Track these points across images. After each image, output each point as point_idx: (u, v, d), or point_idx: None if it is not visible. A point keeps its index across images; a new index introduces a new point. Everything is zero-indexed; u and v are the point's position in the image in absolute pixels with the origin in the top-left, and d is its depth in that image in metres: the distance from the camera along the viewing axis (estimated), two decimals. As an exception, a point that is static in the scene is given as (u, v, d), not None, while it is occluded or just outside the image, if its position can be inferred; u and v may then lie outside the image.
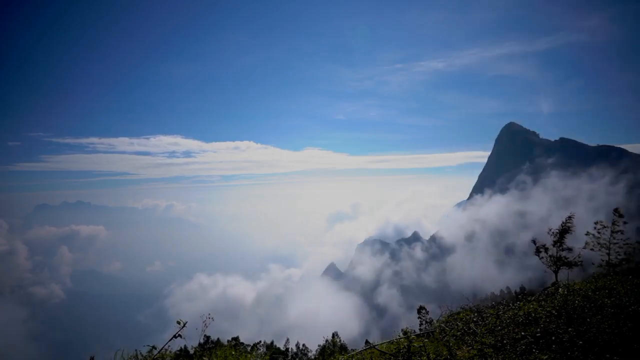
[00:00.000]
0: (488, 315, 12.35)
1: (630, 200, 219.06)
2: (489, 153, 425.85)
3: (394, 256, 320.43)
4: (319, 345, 36.50)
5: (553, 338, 8.58)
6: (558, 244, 22.19)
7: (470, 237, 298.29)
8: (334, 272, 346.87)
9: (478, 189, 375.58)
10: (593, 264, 22.98)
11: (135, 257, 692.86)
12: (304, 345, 43.91)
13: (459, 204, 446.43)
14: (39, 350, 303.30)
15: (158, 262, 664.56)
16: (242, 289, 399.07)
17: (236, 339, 36.61)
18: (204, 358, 9.47)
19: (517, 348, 8.65)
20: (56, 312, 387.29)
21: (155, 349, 7.68)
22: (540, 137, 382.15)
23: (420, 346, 8.51)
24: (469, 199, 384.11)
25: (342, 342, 36.85)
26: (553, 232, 22.54)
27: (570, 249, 22.02)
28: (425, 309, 22.77)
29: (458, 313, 14.80)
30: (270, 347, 39.30)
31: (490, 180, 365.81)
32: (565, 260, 21.90)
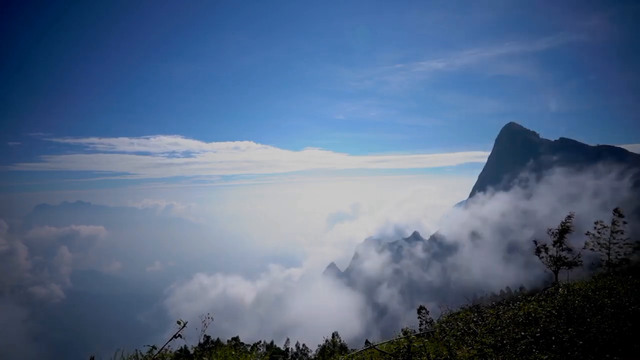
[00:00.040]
0: (488, 315, 12.36)
1: (634, 197, 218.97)
2: (489, 153, 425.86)
3: (394, 256, 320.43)
4: (319, 345, 36.51)
5: (553, 338, 8.58)
6: (558, 243, 22.20)
7: (472, 236, 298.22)
8: (334, 272, 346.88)
9: (478, 188, 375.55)
10: (593, 264, 22.99)
11: (135, 257, 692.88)
12: (304, 345, 43.92)
13: (459, 204, 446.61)
14: (39, 350, 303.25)
15: (158, 262, 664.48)
16: (242, 289, 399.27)
17: (236, 339, 36.62)
18: (204, 358, 9.47)
19: (517, 348, 8.65)
20: (56, 312, 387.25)
21: (156, 349, 7.68)
22: (540, 137, 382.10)
23: (420, 346, 8.51)
24: (470, 197, 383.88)
25: (342, 342, 36.86)
26: (553, 232, 22.55)
27: (570, 249, 22.03)
28: (425, 309, 22.77)
29: (458, 313, 14.82)
30: (270, 347, 39.30)
31: (490, 180, 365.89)
32: (565, 260, 21.91)
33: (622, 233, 22.48)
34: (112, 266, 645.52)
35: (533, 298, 13.44)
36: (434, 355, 8.37)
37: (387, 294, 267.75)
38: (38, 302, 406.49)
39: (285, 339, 46.46)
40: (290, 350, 41.40)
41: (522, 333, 9.31)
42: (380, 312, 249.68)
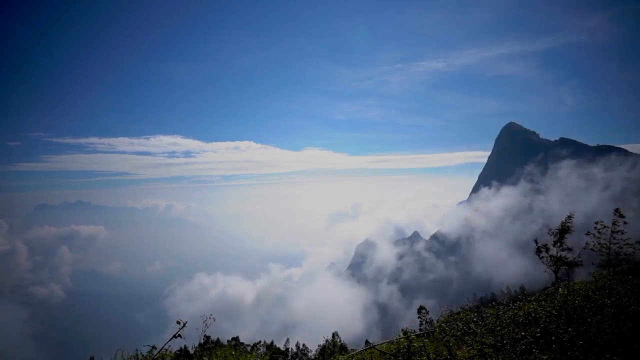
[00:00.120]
0: (488, 315, 12.36)
1: (634, 197, 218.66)
2: (489, 153, 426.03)
3: (395, 255, 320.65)
4: (319, 345, 36.53)
5: (553, 338, 8.59)
6: (558, 243, 22.20)
7: (474, 234, 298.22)
8: (334, 272, 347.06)
9: (479, 187, 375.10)
10: (593, 264, 23.01)
11: (135, 257, 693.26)
12: (304, 345, 43.94)
13: (460, 204, 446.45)
14: (39, 350, 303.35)
15: (158, 262, 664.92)
16: (242, 289, 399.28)
17: (236, 339, 36.62)
18: (204, 358, 9.47)
19: (517, 348, 8.65)
20: (56, 312, 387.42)
21: (156, 349, 7.69)
22: (540, 137, 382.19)
23: (420, 346, 8.51)
24: (473, 194, 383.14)
25: (342, 342, 36.88)
26: (553, 232, 22.54)
27: (570, 249, 22.03)
28: (425, 309, 22.77)
29: (458, 313, 14.81)
30: (270, 347, 39.32)
31: (490, 180, 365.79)
32: (565, 260, 21.91)
33: (622, 233, 22.50)
34: (112, 266, 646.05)
35: (533, 298, 13.44)
36: (434, 355, 8.37)
37: (388, 293, 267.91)
38: (38, 302, 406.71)
39: (285, 339, 46.49)
40: (290, 350, 41.42)
41: (522, 333, 9.31)
42: (380, 311, 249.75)
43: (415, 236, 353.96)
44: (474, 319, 12.20)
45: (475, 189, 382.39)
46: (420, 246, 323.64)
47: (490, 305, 14.34)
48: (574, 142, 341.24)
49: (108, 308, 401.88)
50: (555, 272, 21.96)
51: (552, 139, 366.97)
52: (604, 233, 22.90)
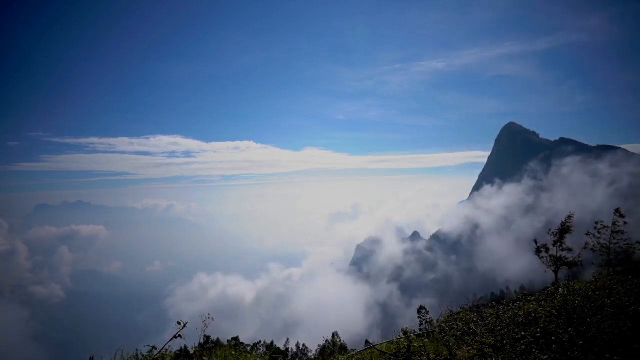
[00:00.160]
0: (488, 315, 12.36)
1: (634, 197, 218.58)
2: (489, 153, 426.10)
3: (395, 254, 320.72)
4: (319, 345, 36.52)
5: (553, 338, 8.59)
6: (558, 243, 22.18)
7: (475, 232, 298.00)
8: (334, 272, 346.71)
9: (481, 185, 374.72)
10: (593, 264, 23.00)
11: (135, 257, 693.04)
12: (304, 345, 43.93)
13: (460, 203, 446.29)
14: (39, 350, 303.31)
15: (158, 262, 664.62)
16: (242, 289, 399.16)
17: (236, 339, 36.63)
18: (204, 358, 9.48)
19: (517, 348, 8.66)
20: (56, 312, 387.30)
21: (156, 349, 7.69)
22: (540, 137, 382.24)
23: (420, 346, 8.51)
24: (473, 192, 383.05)
25: (342, 342, 36.88)
26: (553, 232, 22.53)
27: (570, 249, 22.02)
28: (425, 309, 22.78)
29: (458, 313, 14.82)
30: (270, 347, 39.32)
31: (490, 180, 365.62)
32: (565, 260, 21.89)
33: (622, 233, 22.49)
34: (112, 266, 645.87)
35: (533, 298, 13.44)
36: (434, 355, 8.37)
37: (388, 292, 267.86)
38: (38, 302, 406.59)
39: (285, 338, 46.48)
40: (290, 350, 41.42)
41: (522, 333, 9.31)
42: (381, 310, 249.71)
43: (416, 236, 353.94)
44: (474, 319, 12.21)
45: (478, 187, 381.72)
46: (420, 245, 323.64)
47: (490, 305, 14.34)
48: (574, 142, 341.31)
49: (108, 308, 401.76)
50: (555, 272, 21.95)
51: (552, 139, 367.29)
52: (604, 233, 22.89)
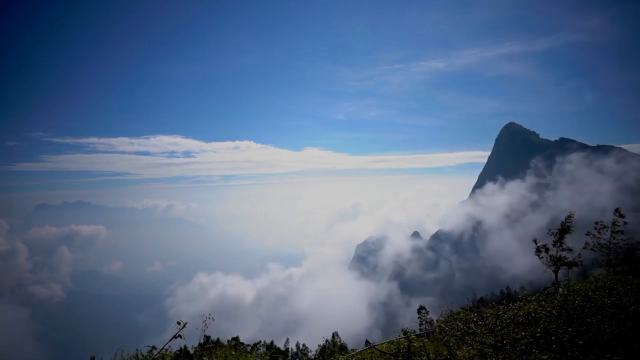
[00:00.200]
0: (488, 315, 12.36)
1: (634, 197, 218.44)
2: (489, 153, 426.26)
3: (395, 254, 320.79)
4: (319, 345, 36.53)
5: (553, 338, 8.59)
6: (558, 243, 22.19)
7: (477, 231, 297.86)
8: (334, 271, 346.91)
9: (484, 182, 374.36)
10: (593, 264, 23.01)
11: (135, 257, 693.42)
12: (304, 345, 43.97)
13: (462, 202, 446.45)
14: (39, 350, 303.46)
15: (158, 262, 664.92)
16: (242, 289, 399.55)
17: (236, 339, 36.66)
18: (204, 358, 9.48)
19: (517, 348, 8.66)
20: (56, 312, 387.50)
21: (156, 349, 7.69)
22: (540, 137, 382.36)
23: (420, 346, 8.51)
24: (475, 190, 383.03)
25: (342, 342, 36.90)
26: (553, 232, 22.54)
27: (570, 249, 22.03)
28: (425, 309, 22.80)
29: (458, 313, 14.82)
30: (270, 347, 39.33)
31: (492, 178, 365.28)
32: (565, 261, 21.90)
33: (622, 233, 22.49)
34: (112, 266, 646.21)
35: (533, 298, 13.44)
36: (434, 355, 8.38)
37: (388, 291, 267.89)
38: (38, 302, 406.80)
39: (285, 338, 46.51)
40: (290, 350, 41.44)
41: (522, 333, 9.31)
42: (381, 310, 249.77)
43: (416, 235, 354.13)
44: (474, 319, 12.21)
45: (479, 185, 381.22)
46: (421, 245, 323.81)
47: (490, 305, 14.35)
48: (574, 142, 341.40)
49: (108, 308, 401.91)
50: (555, 272, 21.96)
51: (552, 139, 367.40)
52: (604, 233, 22.90)
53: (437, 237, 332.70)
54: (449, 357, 8.30)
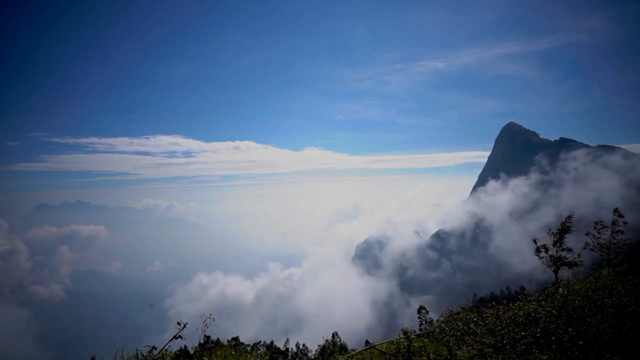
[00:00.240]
0: (488, 315, 12.36)
1: (634, 197, 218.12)
2: (489, 153, 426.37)
3: (396, 253, 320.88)
4: (319, 345, 36.53)
5: (553, 338, 8.58)
6: (558, 243, 22.15)
7: (479, 229, 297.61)
8: (334, 271, 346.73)
9: (486, 179, 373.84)
10: (593, 264, 22.97)
11: (135, 257, 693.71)
12: (304, 345, 43.96)
13: (463, 202, 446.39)
14: (39, 350, 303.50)
15: (158, 262, 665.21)
16: (242, 289, 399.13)
17: (236, 339, 36.66)
18: (204, 358, 9.48)
19: (517, 348, 8.65)
20: (56, 312, 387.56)
21: (156, 349, 7.69)
22: (540, 137, 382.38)
23: (420, 346, 8.51)
24: (477, 188, 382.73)
25: (342, 342, 36.88)
26: (553, 232, 22.49)
27: (570, 249, 21.98)
28: (425, 309, 22.80)
29: (458, 313, 14.82)
30: (270, 347, 39.34)
31: (494, 175, 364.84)
32: (565, 261, 21.86)
33: (622, 233, 22.44)
34: (112, 266, 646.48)
35: (533, 298, 13.43)
36: (434, 355, 8.37)
37: (389, 291, 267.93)
38: (38, 302, 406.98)
39: (285, 338, 46.51)
40: (290, 350, 41.44)
41: (522, 333, 9.31)
42: (381, 309, 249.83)
43: (417, 235, 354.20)
44: (474, 319, 12.21)
45: (481, 183, 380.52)
46: (422, 244, 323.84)
47: (490, 305, 14.33)
48: (575, 142, 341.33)
49: (108, 308, 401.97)
50: (555, 272, 21.93)
51: (552, 139, 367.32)
52: (604, 233, 22.85)
53: (438, 236, 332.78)
54: (449, 357, 8.29)
